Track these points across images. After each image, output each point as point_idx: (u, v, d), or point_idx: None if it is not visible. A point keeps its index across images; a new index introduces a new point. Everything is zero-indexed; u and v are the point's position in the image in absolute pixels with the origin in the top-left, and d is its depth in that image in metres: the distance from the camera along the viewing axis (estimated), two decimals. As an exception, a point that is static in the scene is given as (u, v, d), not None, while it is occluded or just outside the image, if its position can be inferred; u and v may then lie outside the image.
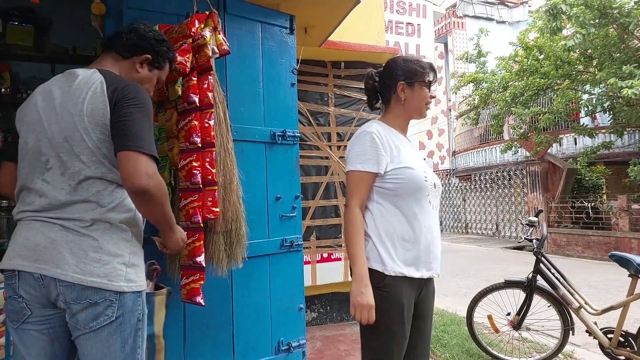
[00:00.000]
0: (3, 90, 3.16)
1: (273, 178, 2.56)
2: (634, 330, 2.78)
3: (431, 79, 1.61)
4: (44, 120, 1.32)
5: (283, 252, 2.57)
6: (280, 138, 2.58)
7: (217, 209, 1.89)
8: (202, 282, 1.86)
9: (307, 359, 2.74)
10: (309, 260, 3.86)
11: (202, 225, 1.86)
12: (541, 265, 3.08)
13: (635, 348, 2.70)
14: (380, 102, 1.71)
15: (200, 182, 1.83)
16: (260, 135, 2.51)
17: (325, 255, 4.01)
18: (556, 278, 3.04)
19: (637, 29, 7.91)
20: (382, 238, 1.51)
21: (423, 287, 1.59)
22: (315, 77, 4.13)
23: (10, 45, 3.12)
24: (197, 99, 1.85)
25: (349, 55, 4.20)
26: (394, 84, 1.61)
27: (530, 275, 3.12)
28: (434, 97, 1.64)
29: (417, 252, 1.52)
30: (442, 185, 1.60)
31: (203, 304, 1.87)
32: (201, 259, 1.83)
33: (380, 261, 1.49)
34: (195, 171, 1.82)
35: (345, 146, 4.24)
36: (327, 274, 4.00)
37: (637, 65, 8.00)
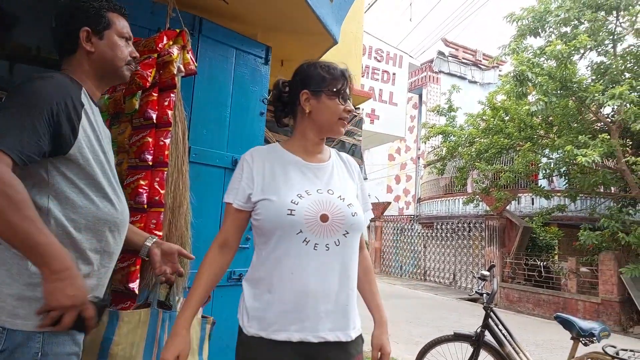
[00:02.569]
0: (-48, 82, 2.98)
1: (228, 206, 2.47)
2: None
3: (341, 88, 1.32)
4: None
5: (230, 284, 2.45)
6: (241, 166, 2.52)
7: (161, 233, 1.77)
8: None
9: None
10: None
11: (141, 248, 1.73)
12: (490, 320, 3.08)
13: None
14: (289, 117, 1.43)
15: (145, 202, 1.73)
16: (221, 160, 2.44)
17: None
18: (503, 335, 3.04)
19: (593, 103, 8.47)
20: (250, 288, 1.26)
21: (318, 356, 1.20)
22: (287, 109, 4.14)
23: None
24: (154, 116, 1.78)
25: (322, 92, 4.25)
26: (297, 93, 1.34)
27: (478, 330, 3.11)
28: (349, 110, 1.34)
29: (281, 307, 1.19)
30: (365, 221, 1.36)
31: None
32: (135, 285, 1.70)
33: (241, 314, 1.27)
34: (141, 190, 1.72)
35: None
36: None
37: (592, 136, 8.52)
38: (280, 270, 1.20)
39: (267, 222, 1.22)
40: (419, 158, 21.07)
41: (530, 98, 9.78)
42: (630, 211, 9.35)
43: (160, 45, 1.80)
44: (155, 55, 1.77)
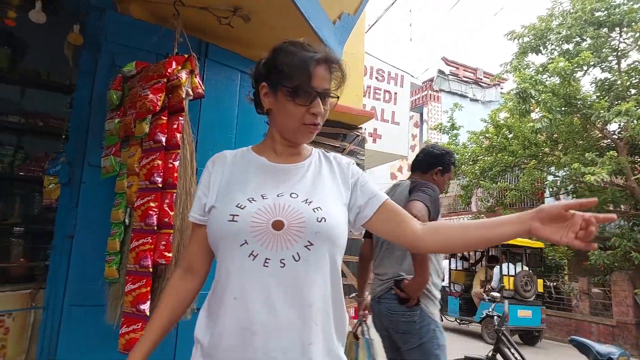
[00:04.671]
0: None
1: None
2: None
3: (304, 85, 0.99)
4: None
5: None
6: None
7: (170, 255, 1.77)
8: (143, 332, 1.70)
9: None
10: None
11: (151, 270, 1.73)
12: (501, 343, 3.02)
13: None
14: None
15: (155, 224, 1.73)
16: (227, 181, 2.45)
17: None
18: (516, 358, 2.97)
19: (598, 120, 8.48)
20: (202, 318, 1.02)
21: None
22: (292, 130, 4.18)
23: (-18, 66, 3.04)
24: (164, 139, 1.80)
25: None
26: (258, 84, 1.08)
27: (490, 354, 3.05)
28: (316, 113, 1.01)
29: (228, 343, 0.92)
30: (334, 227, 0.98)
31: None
32: (146, 307, 1.69)
33: (195, 348, 1.02)
34: (151, 212, 1.73)
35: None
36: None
37: (599, 153, 8.49)
38: (223, 295, 0.94)
39: (211, 233, 1.00)
40: (423, 177, 21.02)
41: (534, 115, 9.82)
42: (643, 229, 9.19)
43: (169, 70, 1.83)
44: (165, 79, 1.80)
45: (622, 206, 9.34)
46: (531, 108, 8.96)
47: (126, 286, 1.73)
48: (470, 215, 13.00)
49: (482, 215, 12.11)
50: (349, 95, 4.72)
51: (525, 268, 8.93)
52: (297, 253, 0.93)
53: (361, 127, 4.62)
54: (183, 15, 2.00)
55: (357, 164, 4.90)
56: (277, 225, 0.93)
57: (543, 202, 11.32)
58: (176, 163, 1.83)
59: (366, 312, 2.46)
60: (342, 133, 4.40)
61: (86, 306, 1.92)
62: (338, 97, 1.06)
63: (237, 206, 0.96)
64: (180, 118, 1.87)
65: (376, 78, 7.26)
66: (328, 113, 1.05)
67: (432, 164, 2.42)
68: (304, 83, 0.99)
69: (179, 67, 1.90)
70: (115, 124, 1.93)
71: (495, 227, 0.96)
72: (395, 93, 7.37)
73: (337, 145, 4.36)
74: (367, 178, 1.13)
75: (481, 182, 10.86)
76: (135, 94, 1.83)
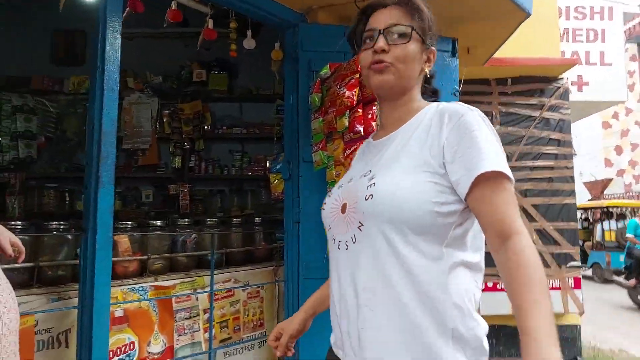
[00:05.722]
0: (206, 127, 3.86)
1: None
2: None
3: (359, 29, 1.00)
4: None
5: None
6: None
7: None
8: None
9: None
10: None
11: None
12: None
13: None
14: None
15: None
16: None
17: (490, 284, 3.74)
18: None
19: None
20: None
21: None
22: (478, 95, 3.97)
23: (210, 90, 3.81)
24: (362, 129, 1.97)
25: (516, 70, 3.93)
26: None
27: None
28: (377, 49, 0.92)
29: (334, 320, 0.97)
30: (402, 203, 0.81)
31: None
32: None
33: None
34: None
35: (514, 167, 3.95)
36: (493, 304, 3.71)
37: None
38: (333, 279, 0.97)
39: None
40: (648, 120, 17.13)
41: None
42: None
43: (359, 66, 1.98)
44: (357, 75, 1.97)
45: None
46: None
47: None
48: None
49: None
50: (541, 44, 4.21)
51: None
52: (354, 235, 0.88)
53: (562, 77, 4.09)
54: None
55: (562, 121, 4.35)
56: (343, 208, 0.91)
57: None
58: (375, 149, 1.99)
59: None
60: (538, 88, 3.98)
61: (315, 279, 2.26)
62: (413, 28, 0.93)
63: (328, 195, 1.01)
64: (374, 107, 2.01)
65: (575, 17, 6.19)
66: (408, 50, 0.93)
67: None
68: (361, 29, 0.98)
69: (367, 61, 2.04)
70: (319, 123, 2.20)
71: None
72: (603, 29, 6.14)
73: (535, 102, 3.96)
74: (470, 140, 0.82)
75: None
76: (334, 93, 2.05)
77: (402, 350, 0.81)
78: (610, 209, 10.55)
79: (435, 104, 0.97)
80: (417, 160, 0.87)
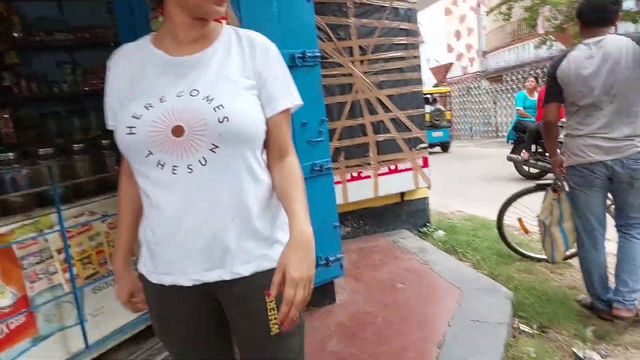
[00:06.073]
0: (15, 34, 3.10)
1: (296, 104, 2.50)
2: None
3: None
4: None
5: (313, 176, 2.59)
6: (300, 60, 2.47)
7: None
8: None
9: (345, 270, 2.90)
10: (340, 180, 3.90)
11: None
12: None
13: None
14: None
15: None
16: (279, 59, 2.40)
17: (354, 174, 4.03)
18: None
19: None
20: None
21: (210, 296, 1.01)
22: (332, -14, 3.83)
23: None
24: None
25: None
26: None
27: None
28: None
29: (148, 245, 1.01)
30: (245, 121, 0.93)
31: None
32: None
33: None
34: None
35: (369, 60, 4.08)
36: (358, 191, 4.06)
37: None
38: (148, 204, 0.98)
39: (120, 144, 0.94)
40: (479, 6, 18.97)
41: None
42: None
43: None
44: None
45: None
46: None
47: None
48: (536, 39, 11.83)
49: (550, 36, 10.96)
50: None
51: (439, 106, 13.88)
52: (203, 157, 0.90)
53: (406, -34, 4.13)
54: None
55: (409, 10, 4.48)
56: (177, 131, 0.88)
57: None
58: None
59: (562, 168, 2.58)
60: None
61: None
62: None
63: (133, 116, 0.91)
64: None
65: None
66: None
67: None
68: None
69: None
70: (160, 23, 1.90)
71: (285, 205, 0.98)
72: None
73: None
74: (279, 72, 1.00)
75: (548, -1, 9.59)
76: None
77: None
78: (425, 95, 12.85)
79: (230, 27, 1.03)
80: (245, 83, 0.96)
